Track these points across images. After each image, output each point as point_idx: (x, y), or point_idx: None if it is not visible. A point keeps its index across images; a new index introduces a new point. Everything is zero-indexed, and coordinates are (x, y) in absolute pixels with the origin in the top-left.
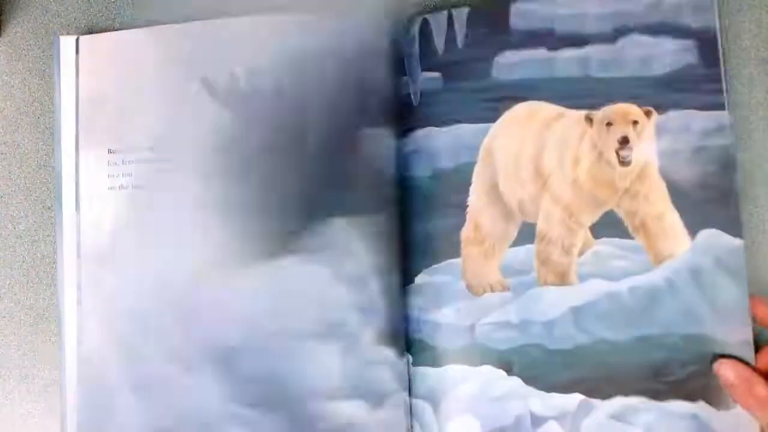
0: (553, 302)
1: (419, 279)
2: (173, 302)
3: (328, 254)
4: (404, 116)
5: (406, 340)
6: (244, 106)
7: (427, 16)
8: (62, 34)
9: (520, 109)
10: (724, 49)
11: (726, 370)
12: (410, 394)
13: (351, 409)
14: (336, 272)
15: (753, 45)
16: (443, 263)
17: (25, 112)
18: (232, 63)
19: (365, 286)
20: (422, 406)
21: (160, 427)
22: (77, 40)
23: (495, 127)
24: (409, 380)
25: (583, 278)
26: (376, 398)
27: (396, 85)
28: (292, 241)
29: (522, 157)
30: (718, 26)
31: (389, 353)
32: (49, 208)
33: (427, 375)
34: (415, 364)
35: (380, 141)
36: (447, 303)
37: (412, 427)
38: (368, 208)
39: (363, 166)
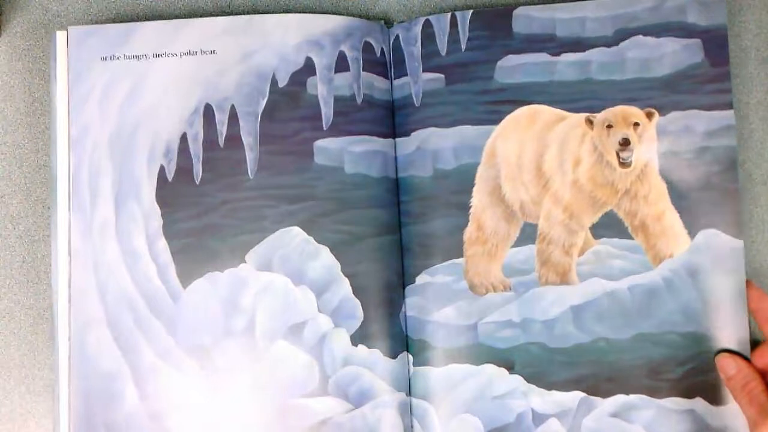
0: (554, 301)
1: (420, 279)
2: (154, 304)
3: (284, 262)
4: (404, 116)
5: (407, 340)
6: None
7: (429, 17)
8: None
9: (522, 112)
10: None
11: (727, 363)
12: (410, 393)
13: (328, 407)
14: (295, 278)
15: (753, 45)
16: (445, 263)
17: (25, 113)
18: (228, 60)
19: (331, 290)
20: (423, 406)
21: (153, 414)
22: (67, 32)
23: (497, 130)
24: (409, 380)
25: (583, 278)
26: (357, 397)
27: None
28: (247, 251)
29: (524, 159)
30: (727, 24)
31: (374, 353)
32: (48, 208)
33: (428, 375)
34: (416, 364)
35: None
36: (449, 303)
37: (412, 427)
38: (334, 212)
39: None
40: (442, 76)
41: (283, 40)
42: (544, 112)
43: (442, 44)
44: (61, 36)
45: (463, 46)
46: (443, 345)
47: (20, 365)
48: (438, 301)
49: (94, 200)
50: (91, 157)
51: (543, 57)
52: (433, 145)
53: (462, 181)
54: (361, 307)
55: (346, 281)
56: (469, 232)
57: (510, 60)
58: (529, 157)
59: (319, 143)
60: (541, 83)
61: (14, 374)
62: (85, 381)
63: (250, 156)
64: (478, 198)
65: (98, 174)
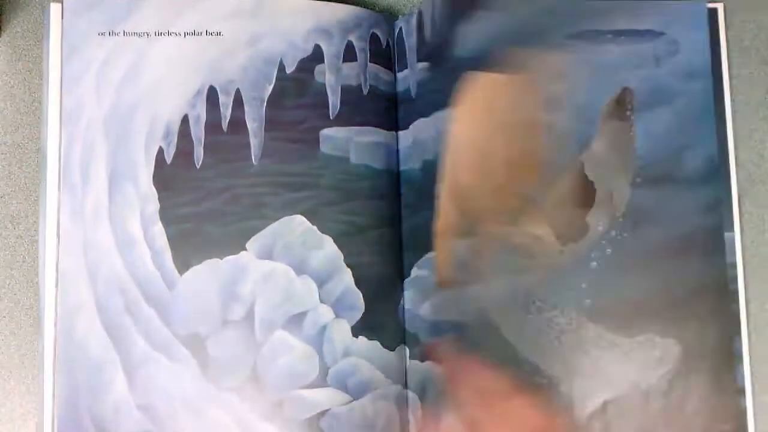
0: None
1: (413, 272)
2: (147, 291)
3: (286, 250)
4: (405, 109)
5: (404, 333)
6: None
7: (421, 7)
8: None
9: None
10: (728, 50)
11: None
12: (407, 386)
13: (326, 399)
14: (297, 267)
15: (753, 45)
16: (426, 256)
17: (25, 112)
18: (234, 43)
19: (334, 281)
20: (416, 398)
21: (143, 406)
22: (62, 4)
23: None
24: (406, 373)
25: None
26: (355, 389)
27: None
28: (248, 239)
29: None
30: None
31: (373, 345)
32: None
33: (418, 368)
34: (411, 357)
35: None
36: (427, 297)
37: (408, 420)
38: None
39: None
40: (429, 64)
41: (293, 25)
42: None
43: (427, 32)
44: (55, 8)
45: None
46: (424, 340)
47: (20, 365)
48: (421, 295)
49: (86, 180)
50: (84, 135)
51: None
52: (421, 135)
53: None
54: (362, 298)
55: (349, 272)
56: (438, 224)
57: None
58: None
59: (326, 132)
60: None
61: (14, 375)
62: (71, 368)
63: (255, 142)
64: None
65: (92, 153)
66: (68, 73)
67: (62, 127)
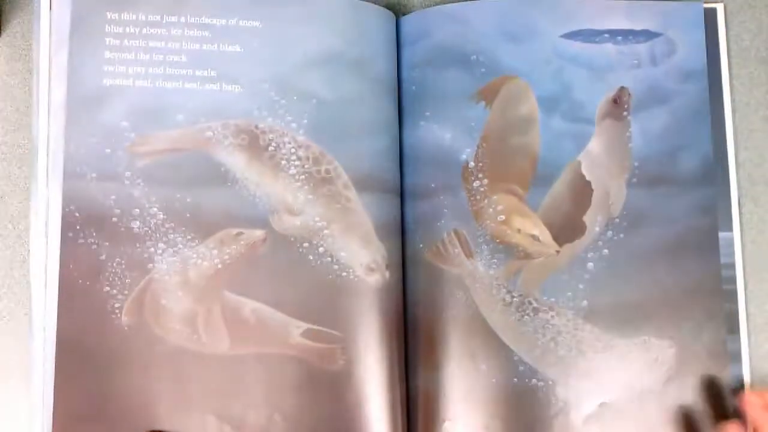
0: None
1: None
2: None
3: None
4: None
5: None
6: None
7: None
8: None
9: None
10: (727, 50)
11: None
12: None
13: None
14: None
15: (753, 45)
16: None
17: (25, 113)
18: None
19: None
20: None
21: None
22: None
23: None
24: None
25: None
26: None
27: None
28: None
29: None
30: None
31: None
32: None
33: None
34: None
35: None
36: None
37: None
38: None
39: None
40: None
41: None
42: None
43: None
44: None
45: None
46: None
47: (21, 366)
48: None
49: None
50: None
51: None
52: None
53: None
54: None
55: None
56: None
57: None
58: None
59: None
60: None
61: (15, 374)
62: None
63: None
64: None
65: None
66: (57, 63)
67: (50, 118)
